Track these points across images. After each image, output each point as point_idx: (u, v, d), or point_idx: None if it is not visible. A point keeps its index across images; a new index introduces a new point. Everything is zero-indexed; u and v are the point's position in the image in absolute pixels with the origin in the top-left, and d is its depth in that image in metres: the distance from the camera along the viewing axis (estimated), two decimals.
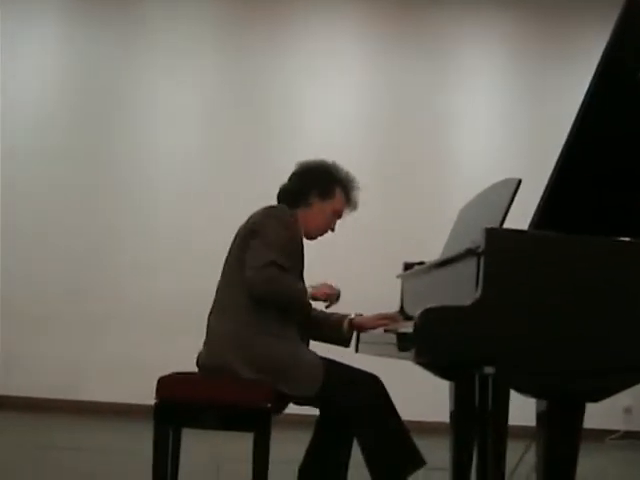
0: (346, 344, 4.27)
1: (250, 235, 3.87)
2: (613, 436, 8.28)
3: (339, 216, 4.18)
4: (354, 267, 8.06)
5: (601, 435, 8.14)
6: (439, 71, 8.81)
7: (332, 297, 3.97)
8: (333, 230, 4.20)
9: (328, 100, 8.62)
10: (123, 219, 8.36)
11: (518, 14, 8.85)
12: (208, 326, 4.01)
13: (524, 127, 8.67)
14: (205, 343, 3.97)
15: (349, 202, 4.16)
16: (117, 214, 8.38)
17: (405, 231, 8.17)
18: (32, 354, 8.04)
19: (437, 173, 8.58)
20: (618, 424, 8.34)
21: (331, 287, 3.98)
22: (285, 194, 4.14)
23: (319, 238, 4.20)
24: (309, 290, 3.91)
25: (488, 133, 8.73)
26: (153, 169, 8.43)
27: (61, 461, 5.29)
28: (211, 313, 4.03)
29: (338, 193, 4.12)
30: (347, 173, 4.17)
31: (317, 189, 4.09)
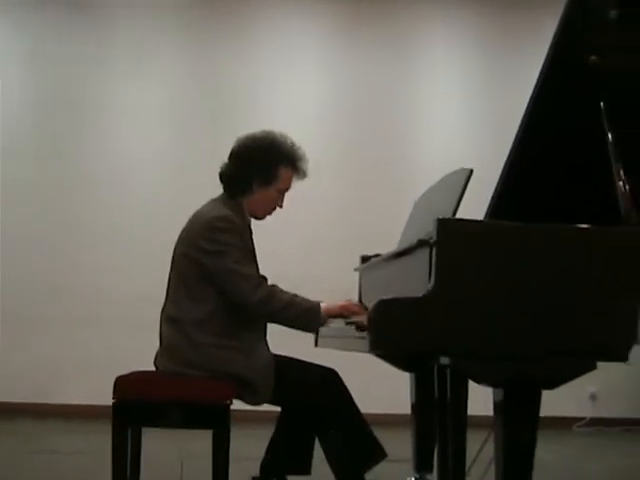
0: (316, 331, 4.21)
1: (206, 256, 3.78)
2: (580, 423, 8.31)
3: (284, 192, 4.02)
4: (312, 260, 8.03)
5: (568, 422, 8.18)
6: (401, 62, 8.76)
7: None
8: (281, 207, 4.03)
9: (292, 93, 8.57)
10: (94, 217, 8.27)
11: (480, 4, 8.85)
12: (160, 333, 3.97)
13: (485, 117, 8.65)
14: (159, 350, 3.94)
15: (297, 174, 3.99)
16: (88, 213, 8.29)
17: (365, 223, 8.15)
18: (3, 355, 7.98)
19: (398, 165, 8.55)
20: (585, 411, 8.36)
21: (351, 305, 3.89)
22: (227, 180, 3.99)
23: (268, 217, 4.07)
24: (323, 306, 3.80)
25: (449, 124, 8.71)
26: (124, 167, 8.33)
27: (31, 465, 5.27)
28: (161, 320, 3.98)
29: (283, 172, 3.94)
30: (291, 145, 3.97)
31: (259, 176, 3.92)
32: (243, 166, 3.95)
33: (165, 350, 3.88)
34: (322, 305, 3.80)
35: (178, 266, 3.93)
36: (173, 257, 3.97)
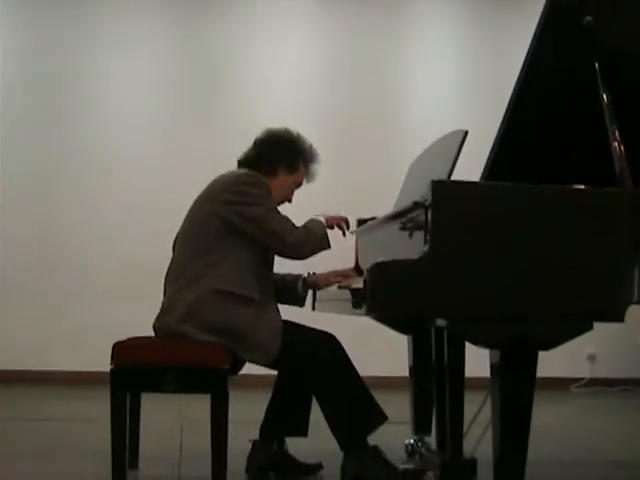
0: (301, 303, 4.29)
1: (235, 206, 3.83)
2: (578, 384, 8.35)
3: (298, 187, 4.18)
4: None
5: (566, 383, 8.22)
6: (392, 22, 8.69)
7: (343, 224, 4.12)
8: (290, 201, 4.18)
9: (280, 59, 8.50)
10: (84, 187, 8.27)
11: None
12: (164, 292, 4.00)
13: (480, 78, 8.59)
14: (161, 310, 3.95)
15: (308, 174, 4.17)
16: (78, 183, 8.28)
17: (358, 186, 8.13)
18: None
19: (392, 127, 8.52)
20: (583, 372, 8.39)
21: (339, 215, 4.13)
22: (250, 161, 4.10)
23: None
24: (321, 219, 4.01)
25: (442, 85, 8.66)
26: (112, 137, 8.32)
27: (26, 432, 5.27)
28: (167, 278, 4.02)
29: (301, 167, 4.13)
30: (310, 146, 4.16)
31: (286, 161, 4.07)
32: (270, 151, 4.09)
33: (179, 311, 3.84)
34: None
35: (191, 227, 3.97)
36: (187, 217, 4.02)
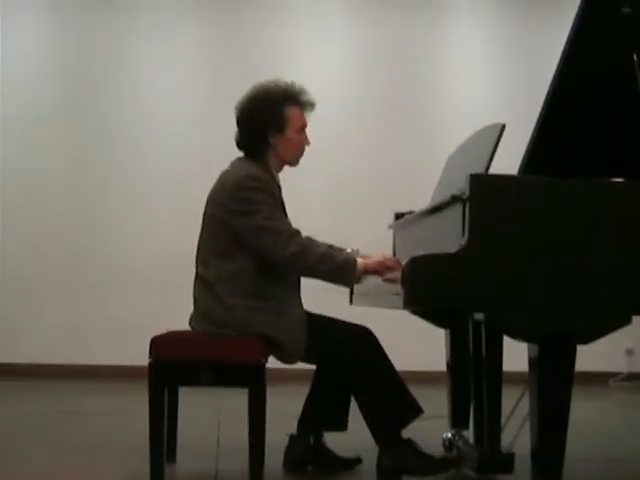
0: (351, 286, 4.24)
1: (235, 217, 3.79)
2: (616, 378, 8.30)
3: (304, 127, 4.02)
4: (344, 219, 8.01)
5: (604, 377, 8.16)
6: (428, 11, 8.68)
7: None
8: (308, 144, 4.02)
9: (314, 49, 8.50)
10: (121, 178, 8.31)
11: None
12: (194, 295, 3.99)
13: (515, 67, 8.53)
14: (193, 311, 3.97)
15: (304, 108, 4.00)
16: (112, 174, 8.33)
17: (397, 179, 8.12)
18: (32, 320, 8.07)
19: (428, 121, 8.48)
20: (621, 366, 8.34)
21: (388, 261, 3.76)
22: (244, 145, 3.99)
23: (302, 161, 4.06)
24: (360, 261, 3.71)
25: (478, 72, 8.61)
26: (143, 126, 8.36)
27: (65, 425, 5.31)
28: (195, 282, 4.00)
29: (291, 111, 3.95)
30: (285, 85, 3.99)
31: (269, 127, 3.91)
32: (251, 125, 3.94)
33: (198, 311, 3.91)
34: (358, 260, 3.74)
35: (208, 227, 3.94)
36: (203, 218, 3.98)
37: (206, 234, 3.95)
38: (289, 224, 3.82)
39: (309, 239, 3.79)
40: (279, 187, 3.96)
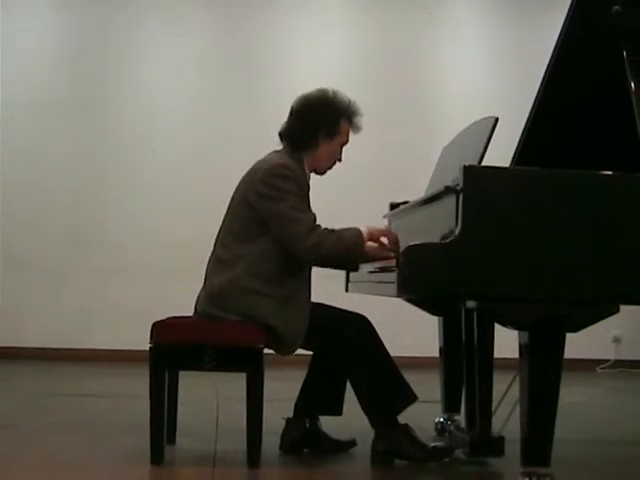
0: (356, 269, 4.28)
1: (263, 200, 3.85)
2: (603, 365, 8.40)
3: (345, 144, 4.11)
4: (340, 209, 8.05)
5: (592, 365, 8.27)
6: (427, 11, 8.74)
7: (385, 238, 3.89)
8: (340, 160, 4.12)
9: (314, 49, 8.55)
10: (126, 168, 8.36)
11: None
12: (205, 275, 4.06)
13: (509, 62, 8.62)
14: (202, 290, 4.03)
15: (354, 128, 4.08)
16: (119, 164, 8.38)
17: (392, 170, 8.20)
18: (36, 305, 8.15)
19: (422, 110, 8.57)
20: (608, 353, 8.44)
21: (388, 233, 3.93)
22: (291, 136, 4.04)
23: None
24: (363, 229, 3.83)
25: (473, 68, 8.69)
26: (149, 118, 8.40)
27: (68, 407, 5.37)
28: (209, 262, 4.08)
29: (344, 125, 4.03)
30: (349, 101, 4.06)
31: (324, 129, 4.00)
32: (308, 121, 4.00)
33: (207, 291, 3.96)
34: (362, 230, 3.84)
35: (233, 209, 4.00)
36: (230, 203, 4.05)
37: (230, 216, 4.01)
38: (313, 217, 3.87)
39: (327, 230, 3.82)
40: (308, 185, 4.00)
